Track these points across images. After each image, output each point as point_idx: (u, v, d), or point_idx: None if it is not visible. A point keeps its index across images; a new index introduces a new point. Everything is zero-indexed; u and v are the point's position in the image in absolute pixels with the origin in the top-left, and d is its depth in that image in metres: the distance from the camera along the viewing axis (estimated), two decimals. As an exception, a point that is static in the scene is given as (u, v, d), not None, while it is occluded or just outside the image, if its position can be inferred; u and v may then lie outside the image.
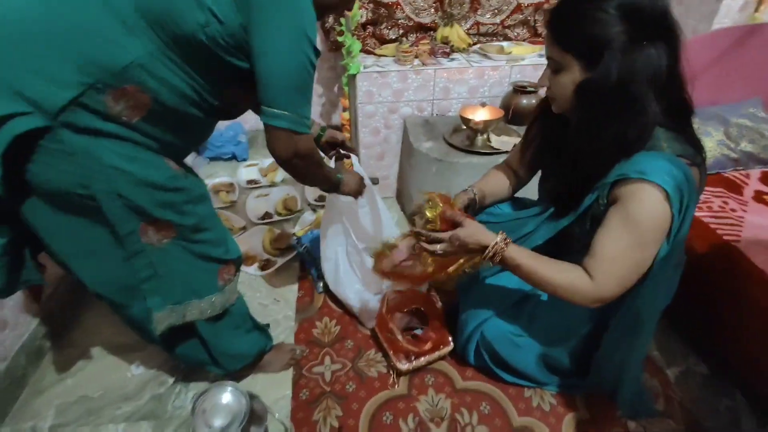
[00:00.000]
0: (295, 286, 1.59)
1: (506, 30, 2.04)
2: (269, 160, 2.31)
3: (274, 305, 1.52)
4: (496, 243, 0.90)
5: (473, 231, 0.92)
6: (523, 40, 2.06)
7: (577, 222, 0.92)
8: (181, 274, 0.87)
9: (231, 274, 0.96)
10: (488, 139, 1.62)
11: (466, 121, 1.58)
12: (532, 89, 1.71)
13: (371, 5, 1.91)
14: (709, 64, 1.64)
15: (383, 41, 1.98)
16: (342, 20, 1.65)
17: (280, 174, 2.21)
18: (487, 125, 1.58)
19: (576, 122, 0.85)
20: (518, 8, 1.97)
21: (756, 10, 1.89)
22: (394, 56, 1.86)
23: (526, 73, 1.82)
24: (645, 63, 0.73)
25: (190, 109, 0.78)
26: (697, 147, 0.83)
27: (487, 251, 0.91)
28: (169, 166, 0.79)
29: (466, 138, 1.66)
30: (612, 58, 0.74)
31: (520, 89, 1.72)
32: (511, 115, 1.73)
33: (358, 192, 1.21)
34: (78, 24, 0.64)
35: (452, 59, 1.87)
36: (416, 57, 1.84)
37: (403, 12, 1.92)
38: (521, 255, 0.90)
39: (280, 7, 0.69)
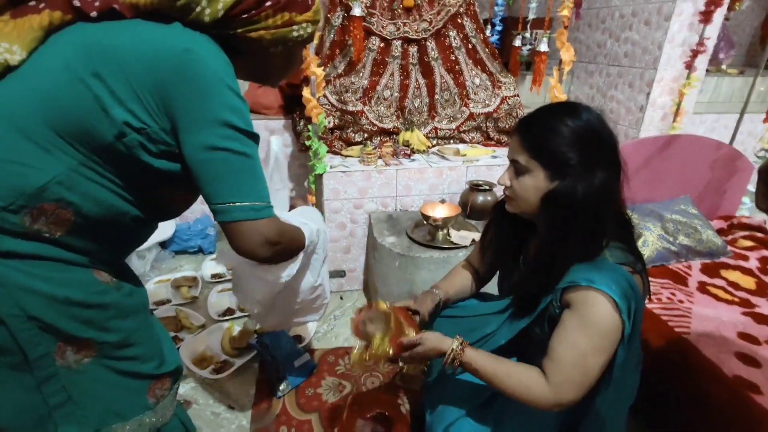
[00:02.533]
0: (252, 390, 1.49)
1: (462, 134, 2.25)
2: (236, 253, 2.30)
3: (227, 413, 1.41)
4: (453, 349, 0.90)
5: (431, 345, 0.93)
6: (477, 143, 2.26)
7: (536, 323, 0.93)
8: (102, 395, 0.78)
9: (165, 389, 0.87)
10: (448, 234, 1.70)
11: (426, 217, 1.66)
12: (486, 187, 1.85)
13: (338, 113, 2.09)
14: (642, 165, 1.83)
15: (349, 143, 2.14)
16: (310, 126, 1.79)
17: (246, 267, 2.19)
18: (446, 221, 1.66)
19: (544, 229, 0.91)
20: (471, 116, 2.20)
21: (674, 120, 2.19)
22: (359, 157, 2.00)
23: (481, 172, 1.98)
24: (602, 183, 0.82)
25: (120, 218, 0.74)
26: (637, 256, 0.89)
27: (445, 357, 0.91)
28: (97, 280, 0.74)
29: (427, 233, 1.73)
30: (576, 175, 0.82)
31: (475, 187, 1.85)
32: (469, 211, 1.83)
33: None
34: None
35: (413, 160, 2.02)
36: (380, 158, 1.98)
37: (368, 119, 2.10)
38: (478, 359, 0.90)
39: (199, 105, 0.67)
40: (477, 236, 1.66)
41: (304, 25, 0.79)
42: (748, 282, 1.54)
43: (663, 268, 1.61)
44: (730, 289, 1.51)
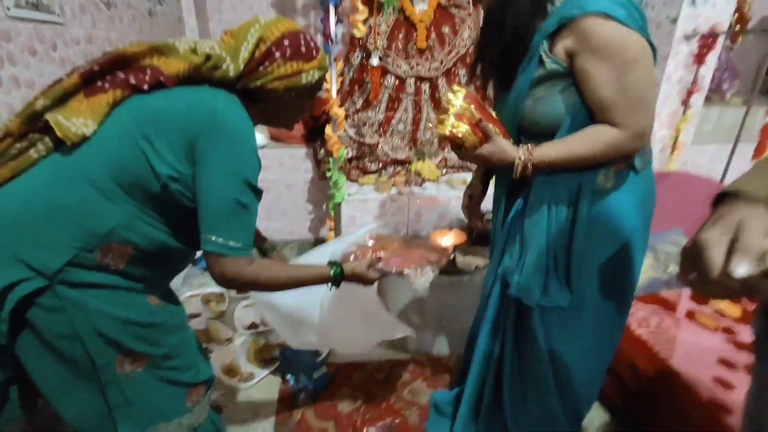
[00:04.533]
0: (276, 398, 1.65)
1: (469, 164, 2.41)
2: (259, 271, 2.49)
3: (253, 419, 1.57)
4: (520, 158, 0.89)
5: (497, 148, 0.92)
6: (485, 172, 2.42)
7: (541, 83, 0.89)
8: (151, 399, 0.93)
9: (200, 395, 1.02)
10: (455, 260, 1.85)
11: (435, 243, 1.83)
12: (489, 216, 2.00)
13: (356, 144, 2.29)
14: (637, 198, 1.96)
15: (366, 172, 2.33)
16: (331, 159, 1.98)
17: (269, 284, 2.37)
18: (454, 248, 1.82)
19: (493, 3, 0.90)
20: (479, 148, 2.37)
21: (671, 153, 2.32)
22: (374, 185, 2.18)
23: (486, 201, 2.13)
24: None
25: (170, 251, 0.91)
26: None
27: (515, 168, 0.90)
28: (149, 304, 0.90)
29: (435, 258, 1.89)
30: None
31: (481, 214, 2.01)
32: (474, 237, 1.98)
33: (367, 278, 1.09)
34: (70, 203, 0.80)
35: (424, 188, 2.19)
36: (393, 185, 2.16)
37: (383, 150, 2.29)
38: (549, 152, 0.89)
39: (217, 153, 0.81)
40: (481, 262, 1.82)
41: (312, 72, 0.93)
42: (735, 310, 1.65)
43: (654, 296, 1.74)
44: (716, 316, 1.62)
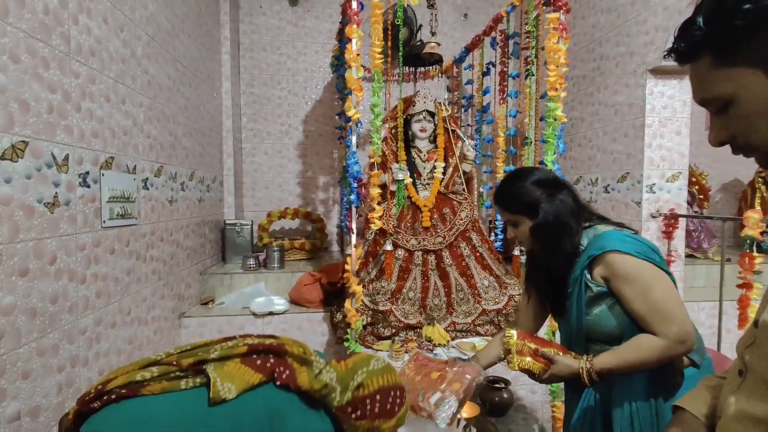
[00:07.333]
0: None
1: (477, 327, 2.56)
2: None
3: None
4: (583, 367, 1.09)
5: (563, 366, 1.13)
6: (491, 335, 2.55)
7: (593, 304, 1.14)
8: None
9: None
10: (470, 433, 1.86)
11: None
12: (503, 384, 2.06)
13: (370, 312, 2.48)
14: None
15: (379, 338, 2.47)
16: (349, 330, 2.16)
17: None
18: (469, 421, 1.84)
19: (539, 250, 1.23)
20: (484, 312, 2.55)
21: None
22: (388, 351, 2.30)
23: (496, 368, 2.21)
24: (562, 204, 1.17)
25: None
26: (617, 223, 1.21)
27: (582, 377, 1.09)
28: None
29: (451, 431, 1.89)
30: (544, 208, 1.17)
31: (492, 384, 2.07)
32: (488, 407, 2.01)
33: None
34: None
35: (435, 354, 2.30)
36: (406, 352, 2.28)
37: (395, 316, 2.48)
38: (606, 361, 1.08)
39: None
40: (496, 437, 1.82)
41: (387, 429, 1.04)
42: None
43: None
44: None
